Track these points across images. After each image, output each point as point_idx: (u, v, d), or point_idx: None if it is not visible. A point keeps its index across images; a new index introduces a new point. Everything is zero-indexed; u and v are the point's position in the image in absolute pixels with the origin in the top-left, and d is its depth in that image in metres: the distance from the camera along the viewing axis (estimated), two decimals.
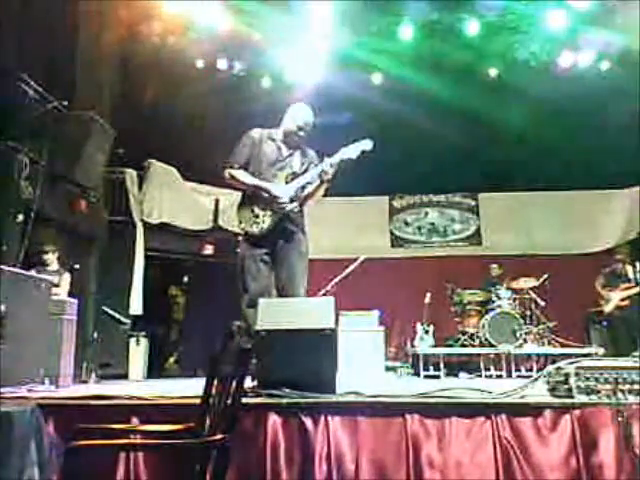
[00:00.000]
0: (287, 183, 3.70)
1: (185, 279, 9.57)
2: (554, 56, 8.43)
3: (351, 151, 3.70)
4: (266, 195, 3.64)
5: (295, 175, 3.73)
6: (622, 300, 7.14)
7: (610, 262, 7.54)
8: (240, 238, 3.81)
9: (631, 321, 6.90)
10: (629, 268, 7.29)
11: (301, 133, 3.77)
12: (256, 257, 3.66)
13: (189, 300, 9.39)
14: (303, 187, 3.74)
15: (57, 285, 5.54)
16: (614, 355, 6.21)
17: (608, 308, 7.23)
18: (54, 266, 5.96)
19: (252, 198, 3.71)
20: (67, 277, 6.01)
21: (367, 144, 3.73)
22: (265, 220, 3.65)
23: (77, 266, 6.25)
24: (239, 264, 3.72)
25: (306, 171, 3.76)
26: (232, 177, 3.74)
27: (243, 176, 3.71)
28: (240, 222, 3.72)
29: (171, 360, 9.35)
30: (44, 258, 5.92)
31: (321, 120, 3.96)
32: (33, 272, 4.95)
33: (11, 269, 4.07)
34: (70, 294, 5.79)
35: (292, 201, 3.68)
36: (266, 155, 3.76)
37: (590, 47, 8.16)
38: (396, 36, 8.22)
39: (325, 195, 3.87)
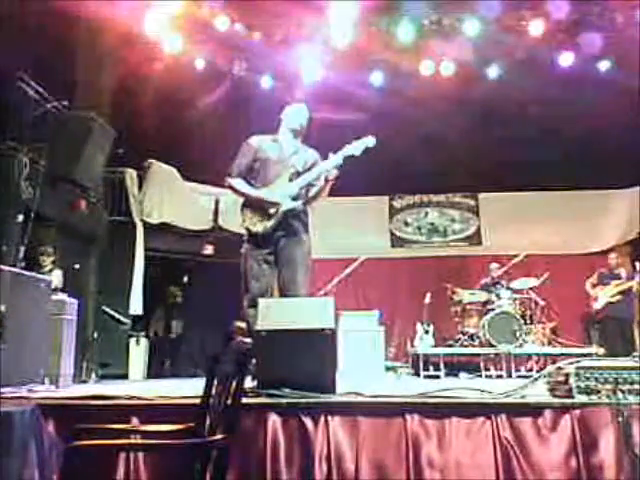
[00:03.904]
0: (290, 181, 3.71)
1: (185, 279, 9.56)
2: (554, 56, 8.42)
3: (354, 148, 3.71)
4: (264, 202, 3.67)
5: (298, 174, 3.74)
6: (612, 296, 7.16)
7: (605, 262, 7.59)
8: (244, 237, 3.81)
9: (621, 318, 6.92)
10: (621, 268, 7.31)
11: (301, 131, 3.84)
12: (259, 257, 3.67)
13: (189, 300, 9.39)
14: (307, 185, 3.75)
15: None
16: (606, 353, 6.24)
17: (597, 306, 7.26)
18: (47, 267, 5.91)
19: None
20: (58, 273, 5.92)
21: (370, 141, 3.73)
22: (269, 219, 3.65)
23: (77, 266, 6.23)
24: (242, 264, 3.73)
25: (309, 169, 3.77)
26: (230, 187, 3.81)
27: (240, 186, 3.76)
28: (243, 221, 3.72)
29: (171, 360, 9.34)
30: (39, 259, 5.88)
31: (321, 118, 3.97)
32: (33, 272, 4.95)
33: (11, 269, 4.07)
34: (68, 293, 5.78)
35: (295, 199, 3.69)
36: (269, 157, 3.78)
37: (590, 47, 8.14)
38: (396, 36, 8.22)
39: (330, 194, 3.88)
